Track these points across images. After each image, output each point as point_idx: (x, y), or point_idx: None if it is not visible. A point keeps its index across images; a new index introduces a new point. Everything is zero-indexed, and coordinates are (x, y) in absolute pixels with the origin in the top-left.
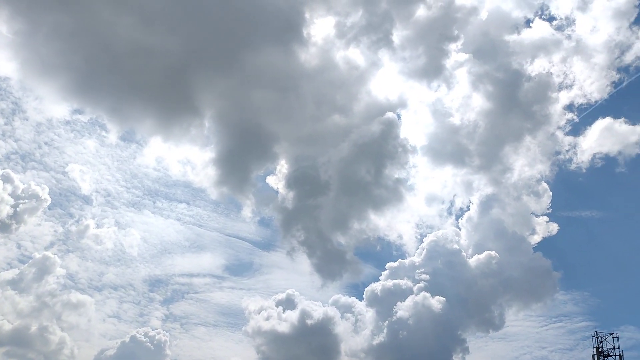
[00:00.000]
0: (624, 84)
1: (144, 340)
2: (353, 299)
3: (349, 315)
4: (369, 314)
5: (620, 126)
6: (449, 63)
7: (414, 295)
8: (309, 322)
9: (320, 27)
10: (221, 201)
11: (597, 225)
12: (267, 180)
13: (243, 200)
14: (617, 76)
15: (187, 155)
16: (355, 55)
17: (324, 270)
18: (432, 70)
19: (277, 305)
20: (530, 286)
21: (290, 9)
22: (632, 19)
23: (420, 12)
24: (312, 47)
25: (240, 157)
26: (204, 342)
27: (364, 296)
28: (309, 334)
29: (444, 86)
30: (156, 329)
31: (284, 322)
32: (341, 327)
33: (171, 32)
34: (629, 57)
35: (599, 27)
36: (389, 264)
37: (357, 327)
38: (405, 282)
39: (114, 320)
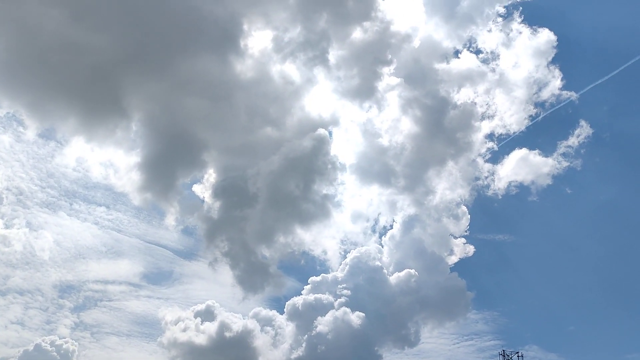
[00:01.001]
0: (540, 118)
1: (50, 349)
2: (274, 312)
3: (268, 328)
4: (289, 327)
5: (535, 157)
6: (381, 86)
7: (334, 310)
8: (227, 334)
9: (257, 40)
10: (144, 207)
11: (509, 248)
12: (193, 189)
13: (167, 208)
14: (534, 110)
15: (110, 158)
16: (291, 70)
17: (246, 283)
18: (365, 91)
19: (195, 317)
20: (446, 305)
21: (228, 19)
22: (550, 59)
23: (357, 34)
24: (249, 59)
25: (167, 164)
26: (116, 352)
27: (284, 310)
28: (227, 347)
29: (375, 107)
30: (64, 338)
31: (202, 333)
32: (260, 341)
33: (103, 30)
34: (545, 94)
35: (520, 63)
36: (312, 279)
37: (276, 340)
38: (326, 297)
39: (17, 327)
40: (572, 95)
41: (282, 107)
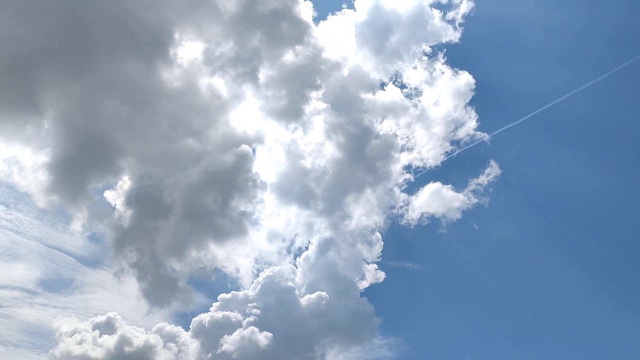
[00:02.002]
0: (454, 155)
1: None
2: (179, 328)
3: (172, 345)
4: (193, 345)
5: (447, 192)
6: (308, 109)
7: (242, 329)
8: (127, 349)
9: (188, 50)
10: (49, 210)
11: (417, 277)
12: (104, 195)
13: (74, 212)
14: (450, 147)
15: (16, 155)
16: (219, 84)
17: (153, 296)
18: (292, 112)
19: (94, 329)
20: (353, 329)
21: (160, 26)
22: (468, 100)
23: (289, 56)
24: (177, 69)
25: (79, 166)
26: None
27: (190, 326)
28: None
29: (300, 130)
30: None
31: (99, 347)
32: (162, 357)
33: (22, 20)
34: (461, 133)
35: (440, 102)
36: (222, 296)
37: (179, 358)
38: (235, 315)
39: None
40: (485, 136)
41: (207, 119)
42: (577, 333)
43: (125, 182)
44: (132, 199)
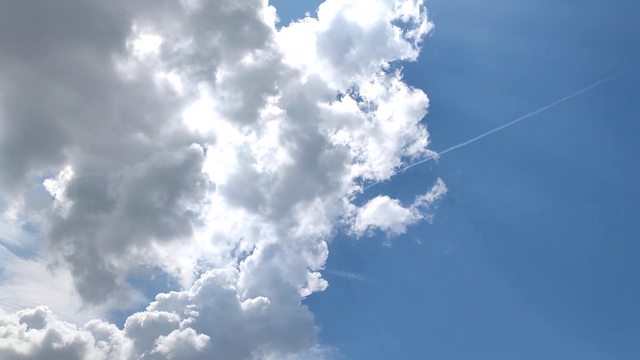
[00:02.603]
0: (404, 170)
1: None
2: (113, 326)
3: (104, 343)
4: (126, 344)
5: (394, 206)
6: (263, 113)
7: (179, 330)
8: (55, 345)
9: (145, 43)
10: None
11: (359, 287)
12: (44, 184)
13: (10, 199)
14: (400, 163)
15: None
16: (174, 80)
17: (87, 292)
18: (247, 115)
19: (21, 322)
20: (292, 337)
21: (117, 16)
22: (420, 118)
23: (248, 59)
24: (132, 61)
25: (19, 151)
26: None
27: (125, 325)
28: (52, 359)
29: (254, 133)
30: None
31: (26, 341)
32: (92, 355)
33: None
34: (411, 150)
35: (394, 118)
36: (160, 295)
37: (110, 356)
38: (172, 316)
39: None
40: (434, 154)
41: (159, 115)
42: (510, 349)
43: (67, 172)
44: (74, 189)
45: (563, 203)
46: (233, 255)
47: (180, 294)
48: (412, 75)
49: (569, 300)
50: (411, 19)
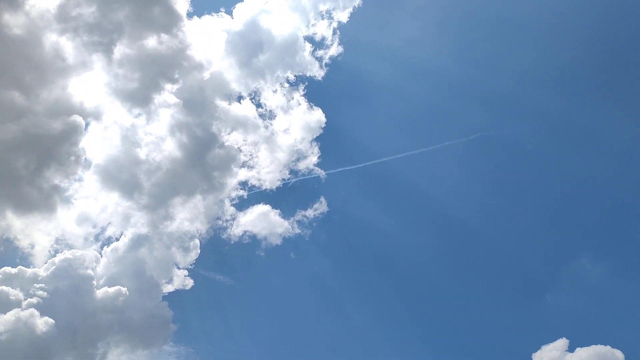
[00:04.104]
0: (290, 183)
1: None
2: None
3: None
4: None
5: (275, 216)
6: (157, 99)
7: (20, 309)
8: None
9: (42, 1)
10: None
11: (225, 291)
12: None
13: None
14: (288, 175)
15: None
16: (67, 46)
17: None
18: (140, 98)
19: None
20: (146, 332)
21: None
22: (315, 136)
23: (151, 41)
24: (23, 15)
25: None
26: None
27: None
28: None
29: (144, 117)
30: None
31: None
32: None
33: None
34: (301, 164)
35: (290, 131)
36: (5, 269)
37: None
38: (16, 293)
39: None
40: (322, 173)
41: (42, 78)
42: None
43: None
44: None
45: (428, 238)
46: (97, 239)
47: (29, 271)
48: (315, 93)
49: (423, 332)
50: (323, 39)
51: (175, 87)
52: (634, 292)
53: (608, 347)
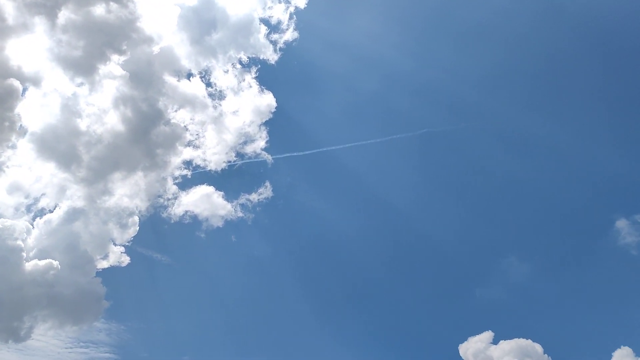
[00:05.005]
0: (236, 166)
1: None
2: None
3: None
4: None
5: (218, 198)
6: (103, 70)
7: None
8: None
9: None
10: None
11: (162, 270)
12: None
13: None
14: (234, 158)
15: None
16: (7, 6)
17: None
18: (84, 67)
19: None
20: (76, 308)
21: None
22: (264, 120)
23: (99, 9)
24: None
25: None
26: None
27: None
28: None
29: (87, 87)
30: None
31: None
32: None
33: None
34: (248, 148)
35: (240, 113)
36: None
37: None
38: None
39: None
40: (268, 157)
41: None
42: (288, 349)
43: None
44: None
45: (367, 229)
46: (29, 210)
47: None
48: (267, 76)
49: (354, 319)
50: (279, 22)
51: (122, 58)
52: (555, 290)
53: (529, 341)
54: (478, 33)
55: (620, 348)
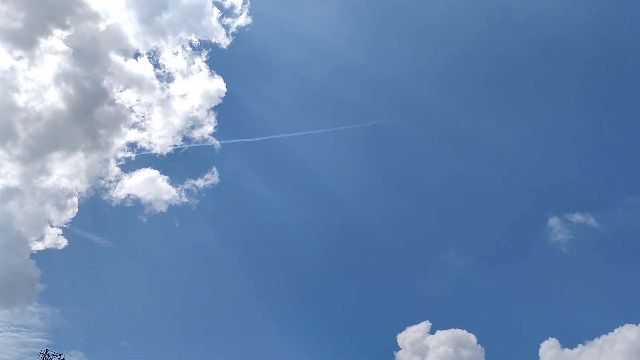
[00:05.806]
0: (182, 151)
1: None
2: None
3: None
4: None
5: (162, 182)
6: (44, 44)
7: None
8: None
9: None
10: None
11: (101, 253)
12: None
13: None
14: (181, 142)
15: None
16: None
17: None
18: (24, 39)
19: None
20: (7, 291)
21: None
22: (213, 105)
23: None
24: None
25: None
26: None
27: None
28: None
29: (25, 61)
30: None
31: None
32: None
33: None
34: (196, 133)
35: (188, 97)
36: None
37: None
38: None
39: None
40: (216, 143)
41: None
42: (228, 336)
43: None
44: None
45: (312, 219)
46: None
47: None
48: (218, 61)
49: (296, 306)
50: (232, 6)
51: (66, 33)
52: (489, 284)
53: (464, 331)
54: (431, 32)
55: (547, 340)
